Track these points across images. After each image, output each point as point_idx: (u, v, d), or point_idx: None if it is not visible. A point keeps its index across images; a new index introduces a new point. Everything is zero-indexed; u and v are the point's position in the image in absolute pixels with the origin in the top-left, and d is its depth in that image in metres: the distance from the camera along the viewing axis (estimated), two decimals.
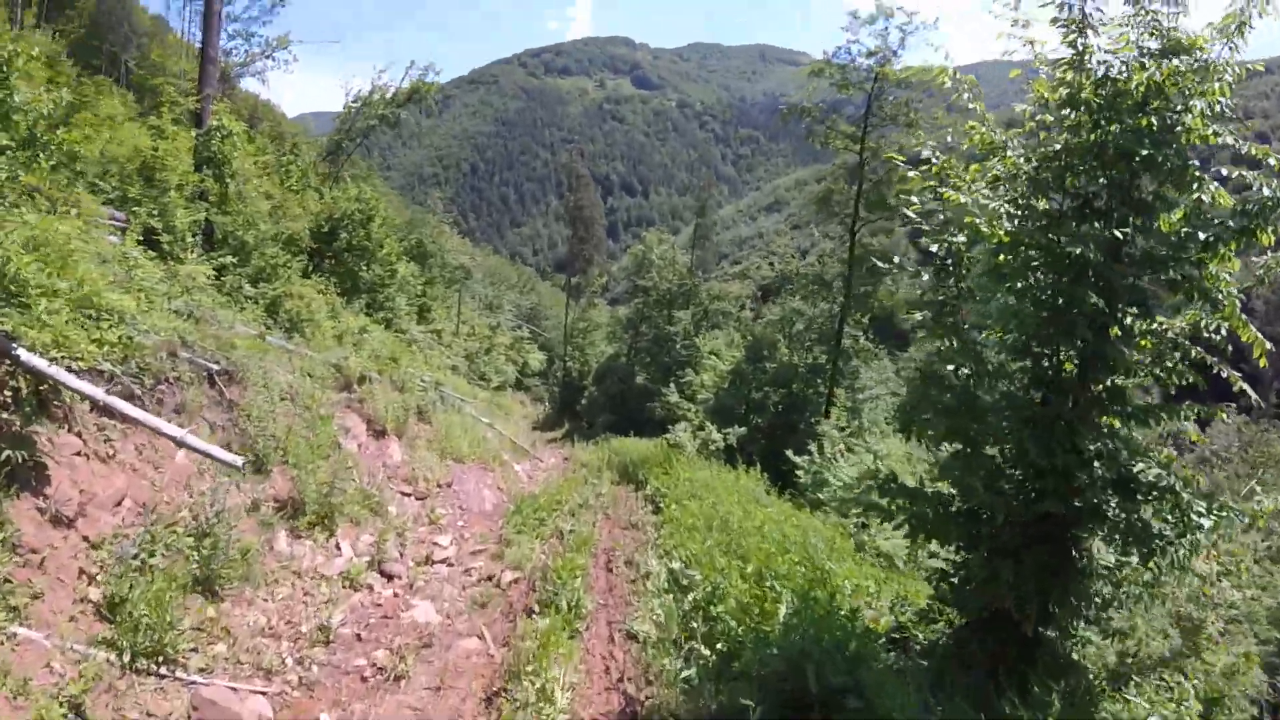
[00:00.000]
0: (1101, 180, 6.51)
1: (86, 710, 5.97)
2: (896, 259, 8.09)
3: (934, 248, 7.35)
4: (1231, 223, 6.05)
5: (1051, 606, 6.43)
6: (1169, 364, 6.55)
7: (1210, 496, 6.25)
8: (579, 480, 21.20)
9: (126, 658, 6.74)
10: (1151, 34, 6.43)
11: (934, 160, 7.31)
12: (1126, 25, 6.51)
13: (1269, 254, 6.16)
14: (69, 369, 7.73)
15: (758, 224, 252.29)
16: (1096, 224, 6.40)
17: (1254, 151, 6.25)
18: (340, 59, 49.35)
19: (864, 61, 28.41)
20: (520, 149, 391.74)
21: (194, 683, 6.97)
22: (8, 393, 7.18)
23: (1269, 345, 6.17)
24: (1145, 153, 6.04)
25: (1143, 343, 6.53)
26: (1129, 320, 6.31)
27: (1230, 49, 6.27)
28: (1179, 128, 6.27)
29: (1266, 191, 5.92)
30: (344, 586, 10.14)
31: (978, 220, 6.72)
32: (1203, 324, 6.44)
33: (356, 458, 14.39)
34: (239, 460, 9.16)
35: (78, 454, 7.87)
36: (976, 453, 6.84)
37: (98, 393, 7.93)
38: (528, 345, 64.33)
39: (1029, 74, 7.20)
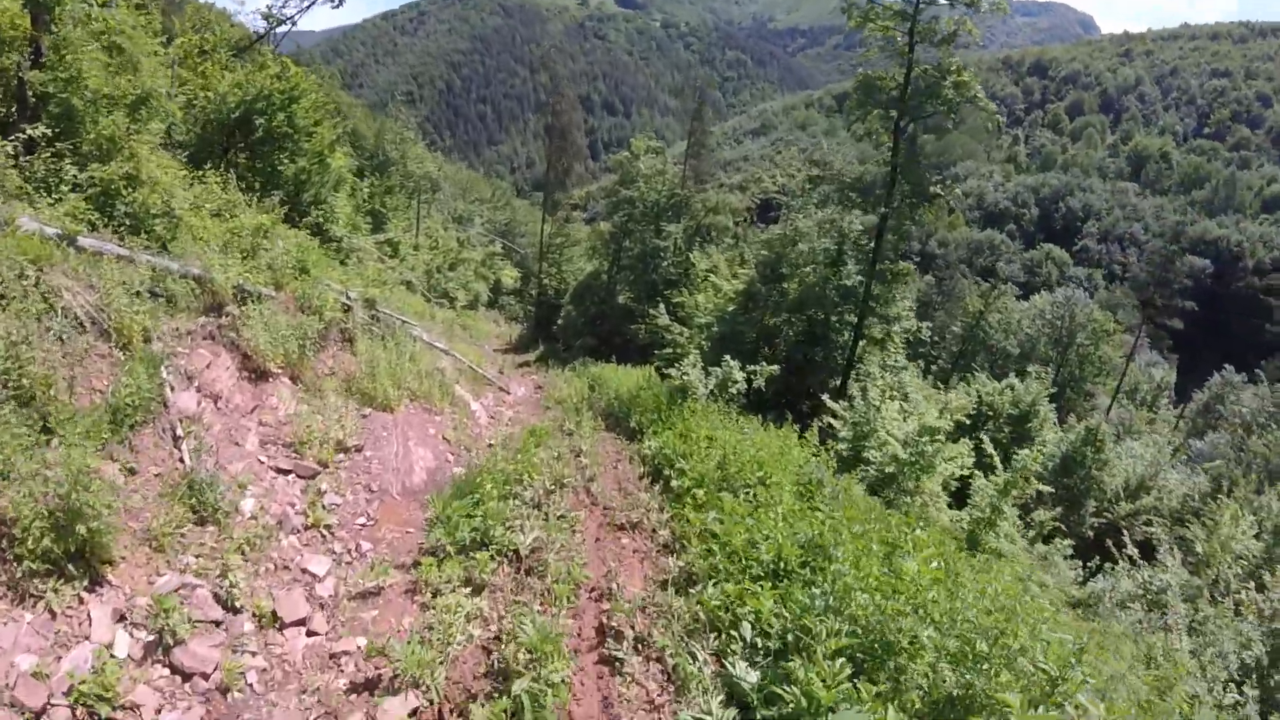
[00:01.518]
0: None
1: None
2: None
3: None
4: None
5: None
6: None
7: None
8: (552, 427, 16.22)
9: None
10: None
11: None
12: None
13: None
14: None
15: (743, 147, 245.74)
16: None
17: None
18: None
19: None
20: (498, 67, 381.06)
21: None
22: None
23: None
24: None
25: None
26: None
27: None
28: None
29: None
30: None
31: None
32: None
33: (195, 422, 9.12)
34: None
35: None
36: None
37: None
38: (500, 261, 58.52)
39: None
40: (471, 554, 7.31)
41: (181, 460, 8.46)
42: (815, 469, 10.22)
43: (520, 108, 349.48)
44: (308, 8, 33.69)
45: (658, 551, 8.05)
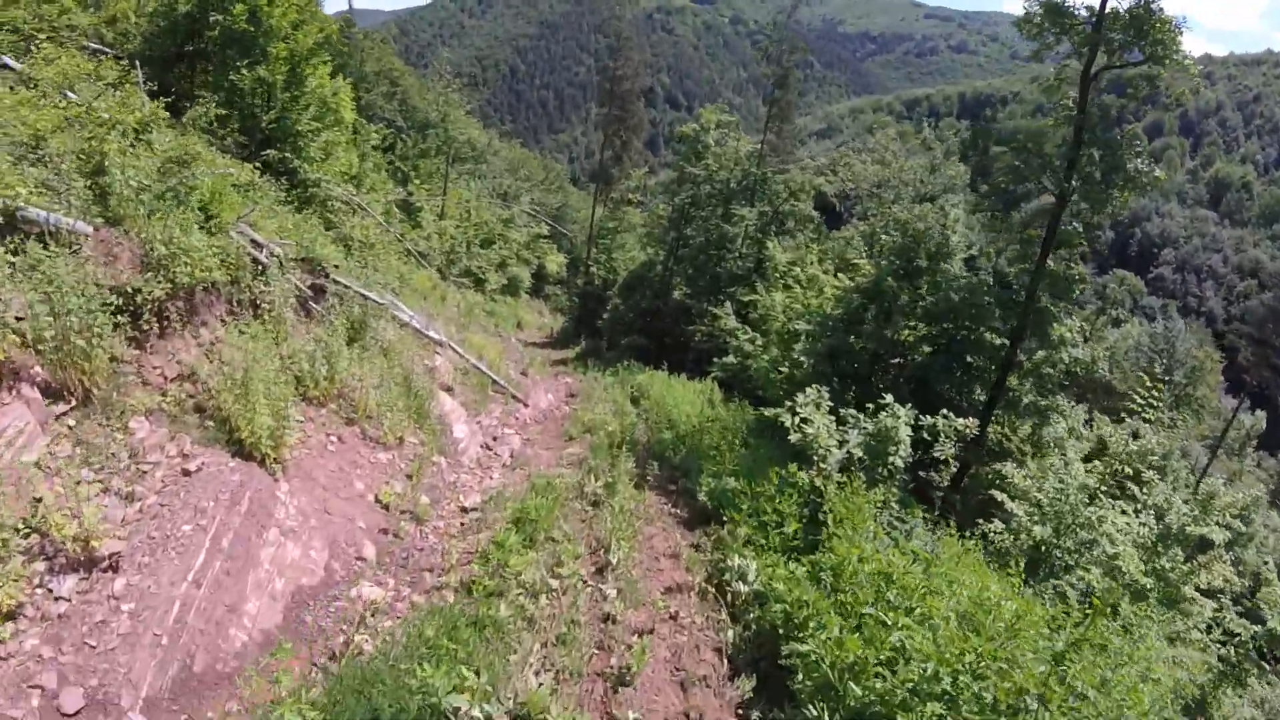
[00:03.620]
0: None
1: None
2: None
3: None
4: None
5: None
6: None
7: None
8: (567, 487, 10.33)
9: None
10: None
11: None
12: None
13: None
14: None
15: (806, 148, 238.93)
16: None
17: None
18: None
19: None
20: (563, 54, 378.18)
21: None
22: None
23: None
24: None
25: None
26: None
27: None
28: None
29: None
30: None
31: None
32: None
33: None
34: None
35: None
36: None
37: None
38: (546, 245, 52.29)
39: None
40: None
41: None
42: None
43: (583, 96, 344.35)
44: None
45: None
